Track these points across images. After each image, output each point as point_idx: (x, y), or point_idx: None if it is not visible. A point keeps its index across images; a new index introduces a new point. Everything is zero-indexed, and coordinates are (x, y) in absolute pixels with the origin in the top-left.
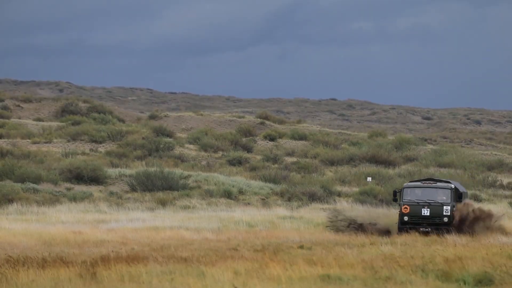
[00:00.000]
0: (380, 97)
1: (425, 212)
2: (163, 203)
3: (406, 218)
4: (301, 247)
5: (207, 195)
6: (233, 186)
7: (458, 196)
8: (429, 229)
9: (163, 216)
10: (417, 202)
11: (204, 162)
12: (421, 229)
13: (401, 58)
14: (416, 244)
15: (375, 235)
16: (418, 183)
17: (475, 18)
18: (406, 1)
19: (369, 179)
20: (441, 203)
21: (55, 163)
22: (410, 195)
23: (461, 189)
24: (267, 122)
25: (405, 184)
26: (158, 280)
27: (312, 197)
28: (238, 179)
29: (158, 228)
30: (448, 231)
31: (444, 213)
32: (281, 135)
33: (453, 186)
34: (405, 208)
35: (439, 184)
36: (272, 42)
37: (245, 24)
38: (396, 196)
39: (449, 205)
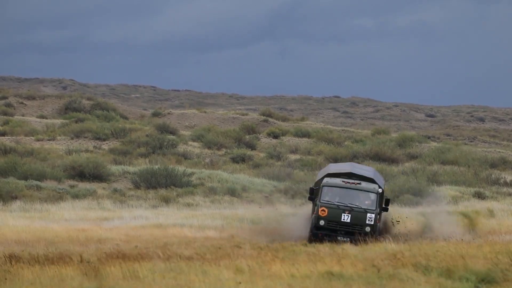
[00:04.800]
0: (383, 95)
1: (345, 218)
2: (166, 201)
3: (322, 223)
4: (305, 244)
5: (210, 193)
6: (236, 184)
7: (385, 203)
8: (348, 238)
9: (167, 214)
10: (337, 205)
11: (207, 160)
12: (339, 238)
13: (403, 55)
14: (420, 242)
15: None
16: (340, 182)
17: (477, 15)
18: None
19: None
20: (364, 209)
21: (58, 160)
22: (330, 196)
23: (380, 182)
24: (270, 119)
25: (324, 180)
26: (161, 277)
27: None
28: (241, 177)
29: (161, 225)
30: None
31: (367, 222)
32: (285, 133)
33: (380, 190)
34: (323, 210)
35: (364, 185)
36: (273, 40)
37: (246, 22)
38: (312, 194)
39: (373, 213)
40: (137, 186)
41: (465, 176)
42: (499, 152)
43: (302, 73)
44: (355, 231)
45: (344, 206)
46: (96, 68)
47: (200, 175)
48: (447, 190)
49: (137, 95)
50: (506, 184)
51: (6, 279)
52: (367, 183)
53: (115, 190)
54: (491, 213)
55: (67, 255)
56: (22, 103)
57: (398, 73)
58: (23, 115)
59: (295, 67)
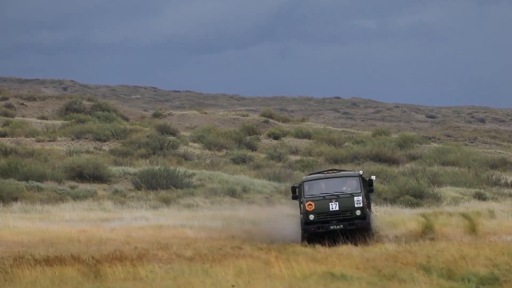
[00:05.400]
0: (384, 95)
1: (334, 206)
2: (167, 202)
3: (312, 217)
4: (305, 245)
5: (211, 194)
6: (237, 185)
7: (369, 183)
8: (341, 225)
9: (167, 215)
10: (323, 196)
11: (208, 161)
12: (332, 227)
13: (404, 56)
14: (420, 243)
15: None
16: (319, 175)
17: (477, 16)
18: None
19: (373, 177)
20: (350, 193)
21: (59, 161)
22: (313, 189)
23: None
24: (271, 120)
25: (304, 177)
26: (161, 278)
27: None
28: (242, 178)
29: (162, 226)
30: (364, 227)
31: (356, 205)
32: (285, 133)
33: (361, 172)
34: (309, 205)
35: (343, 172)
36: (274, 40)
37: (246, 22)
38: (296, 193)
39: (360, 195)
40: (137, 187)
41: (466, 177)
42: (500, 153)
43: (302, 74)
44: (347, 217)
45: (330, 195)
46: (96, 69)
47: (201, 176)
48: (448, 191)
49: (138, 96)
50: (506, 185)
51: (6, 280)
52: (347, 171)
53: (116, 191)
54: (491, 214)
55: (68, 256)
56: (22, 104)
57: (398, 74)
58: (23, 116)
59: (296, 68)
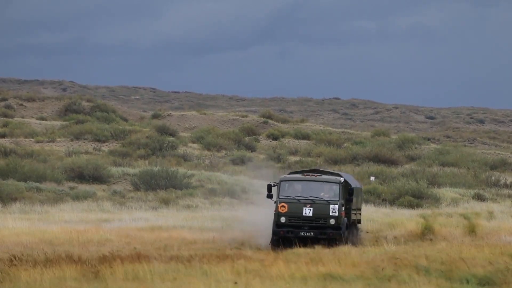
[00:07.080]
0: (383, 96)
1: (307, 212)
2: (166, 202)
3: (283, 219)
4: (304, 246)
5: (210, 194)
6: (236, 185)
7: (348, 192)
8: (312, 233)
9: (166, 215)
10: (298, 199)
11: (207, 161)
12: (301, 233)
13: (404, 57)
14: (420, 244)
15: None
16: (299, 176)
17: (476, 17)
18: (407, 0)
19: (372, 178)
20: (327, 200)
21: (58, 162)
22: (289, 191)
23: (354, 183)
24: (270, 121)
25: (282, 176)
26: (161, 279)
27: None
28: (241, 178)
29: (161, 227)
30: (336, 238)
31: (331, 214)
32: (284, 134)
33: (342, 179)
34: (282, 206)
35: (324, 177)
36: (274, 41)
37: (246, 23)
38: (271, 192)
39: (337, 204)
40: (137, 188)
41: (465, 178)
42: (499, 153)
43: (302, 75)
44: (319, 224)
45: (305, 199)
46: (96, 70)
47: (200, 177)
48: (447, 192)
49: (137, 97)
50: (506, 185)
51: (1, 282)
52: (329, 175)
53: (115, 192)
54: (491, 215)
55: (67, 257)
56: (22, 105)
57: (398, 75)
58: (23, 117)
59: (295, 69)
